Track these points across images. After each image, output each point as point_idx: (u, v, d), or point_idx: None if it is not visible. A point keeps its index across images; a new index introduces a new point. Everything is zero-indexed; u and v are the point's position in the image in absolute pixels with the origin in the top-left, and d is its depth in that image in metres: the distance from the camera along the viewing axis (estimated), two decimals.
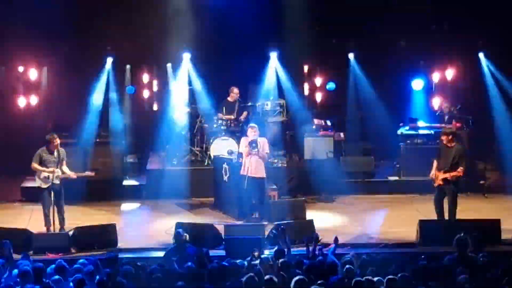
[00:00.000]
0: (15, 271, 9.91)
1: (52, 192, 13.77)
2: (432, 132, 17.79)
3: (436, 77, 19.48)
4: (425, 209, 14.95)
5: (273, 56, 19.03)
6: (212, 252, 11.84)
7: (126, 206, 16.67)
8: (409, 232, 13.65)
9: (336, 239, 11.53)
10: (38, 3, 17.16)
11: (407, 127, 18.13)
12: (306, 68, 20.04)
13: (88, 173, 14.50)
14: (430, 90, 19.51)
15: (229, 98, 17.79)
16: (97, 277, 9.61)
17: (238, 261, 10.45)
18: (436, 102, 19.11)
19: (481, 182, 17.36)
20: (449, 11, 18.18)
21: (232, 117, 17.49)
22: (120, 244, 13.41)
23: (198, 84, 18.61)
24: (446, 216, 13.79)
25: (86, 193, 16.22)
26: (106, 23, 17.54)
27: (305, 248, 11.18)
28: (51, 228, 13.83)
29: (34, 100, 19.06)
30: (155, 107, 20.09)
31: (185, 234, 11.96)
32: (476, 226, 12.77)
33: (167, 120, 18.39)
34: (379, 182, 17.71)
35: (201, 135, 17.88)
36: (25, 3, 17.50)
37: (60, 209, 13.92)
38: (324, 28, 18.79)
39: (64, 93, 18.71)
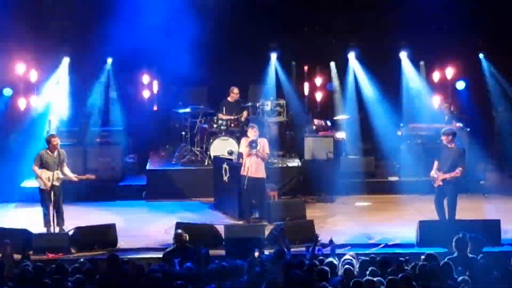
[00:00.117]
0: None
1: (52, 193, 13.77)
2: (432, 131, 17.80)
3: (436, 77, 19.47)
4: (425, 209, 14.93)
5: (273, 56, 19.03)
6: (212, 252, 11.85)
7: (126, 206, 16.67)
8: (409, 232, 13.66)
9: (331, 241, 11.53)
10: (38, 3, 17.17)
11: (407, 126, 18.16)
12: (306, 68, 20.03)
13: (88, 175, 14.43)
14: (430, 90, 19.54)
15: (229, 98, 17.77)
16: (97, 277, 9.62)
17: (238, 261, 10.45)
18: (436, 101, 19.11)
19: (481, 182, 17.37)
20: (449, 11, 18.17)
21: (232, 117, 17.49)
22: (120, 244, 13.42)
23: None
24: (446, 216, 13.80)
25: (86, 193, 16.22)
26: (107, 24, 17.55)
27: (304, 249, 11.18)
28: (51, 228, 13.83)
29: (34, 100, 19.03)
30: (155, 107, 20.08)
31: (185, 234, 11.97)
32: (476, 226, 12.76)
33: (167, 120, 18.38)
34: (379, 182, 17.71)
35: (201, 135, 17.87)
36: (25, 3, 17.50)
37: (59, 210, 13.91)
38: (324, 28, 18.77)
39: (64, 93, 18.70)
